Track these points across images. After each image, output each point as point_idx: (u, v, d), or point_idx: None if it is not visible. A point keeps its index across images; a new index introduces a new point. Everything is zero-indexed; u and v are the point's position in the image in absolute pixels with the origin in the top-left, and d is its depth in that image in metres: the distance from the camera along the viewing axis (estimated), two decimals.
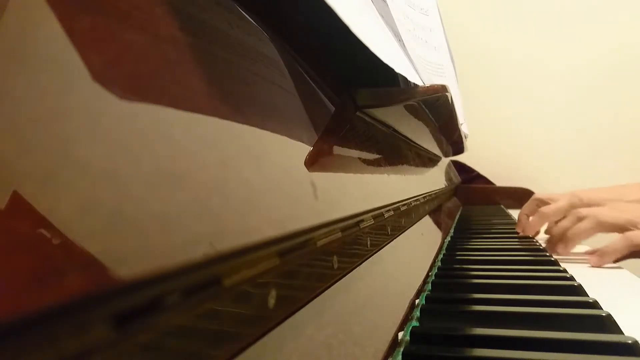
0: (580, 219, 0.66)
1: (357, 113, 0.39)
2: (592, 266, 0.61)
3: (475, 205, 1.33)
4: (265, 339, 0.17)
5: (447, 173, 1.09)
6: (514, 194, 1.37)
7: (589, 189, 0.76)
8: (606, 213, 0.66)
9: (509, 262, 0.55)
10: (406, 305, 0.34)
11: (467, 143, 1.03)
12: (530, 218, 0.75)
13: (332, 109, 0.34)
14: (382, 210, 0.37)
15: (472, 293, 0.40)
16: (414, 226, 0.53)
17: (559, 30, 1.50)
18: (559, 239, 0.68)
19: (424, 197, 0.61)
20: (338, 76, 0.37)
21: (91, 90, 0.12)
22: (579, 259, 0.65)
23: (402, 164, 0.53)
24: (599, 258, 0.61)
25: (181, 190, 0.13)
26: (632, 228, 0.62)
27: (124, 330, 0.10)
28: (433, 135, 0.70)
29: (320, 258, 0.24)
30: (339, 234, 0.26)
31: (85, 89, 0.12)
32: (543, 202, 0.75)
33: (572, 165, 1.49)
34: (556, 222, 0.70)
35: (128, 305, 0.10)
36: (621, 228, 0.63)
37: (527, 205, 0.78)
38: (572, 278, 0.44)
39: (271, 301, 0.17)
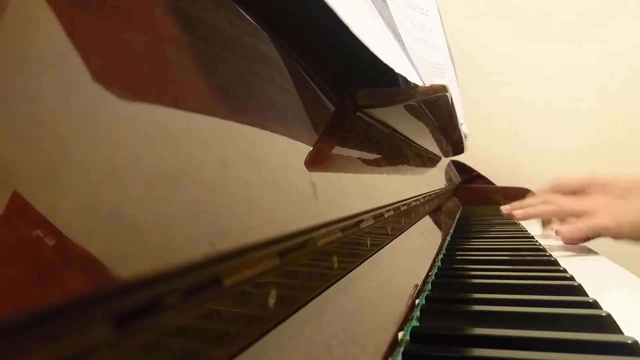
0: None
1: (357, 113, 0.39)
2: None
3: (475, 205, 1.33)
4: (265, 339, 0.17)
5: (447, 173, 1.09)
6: (514, 194, 1.37)
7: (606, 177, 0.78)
8: (570, 202, 0.72)
9: (509, 262, 0.55)
10: (406, 305, 0.34)
11: (467, 143, 1.03)
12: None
13: (332, 109, 0.34)
14: (382, 210, 0.37)
15: (472, 293, 0.40)
16: (414, 226, 0.53)
17: (559, 30, 1.50)
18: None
19: (424, 197, 0.61)
20: (338, 76, 0.37)
21: (91, 90, 0.12)
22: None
23: (402, 164, 0.53)
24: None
25: (181, 190, 0.13)
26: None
27: (124, 330, 0.10)
28: (433, 135, 0.70)
29: (320, 258, 0.24)
30: (339, 234, 0.26)
31: (86, 89, 0.12)
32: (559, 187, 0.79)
33: (572, 166, 1.49)
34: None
35: (128, 305, 0.10)
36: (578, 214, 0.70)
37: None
38: (572, 278, 0.44)
39: (271, 301, 0.17)
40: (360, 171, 0.35)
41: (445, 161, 1.07)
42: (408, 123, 0.54)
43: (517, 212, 0.76)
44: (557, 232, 0.71)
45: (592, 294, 0.39)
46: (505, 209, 0.79)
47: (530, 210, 0.75)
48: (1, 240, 0.08)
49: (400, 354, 0.28)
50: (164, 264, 0.11)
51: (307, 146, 0.26)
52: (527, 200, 0.79)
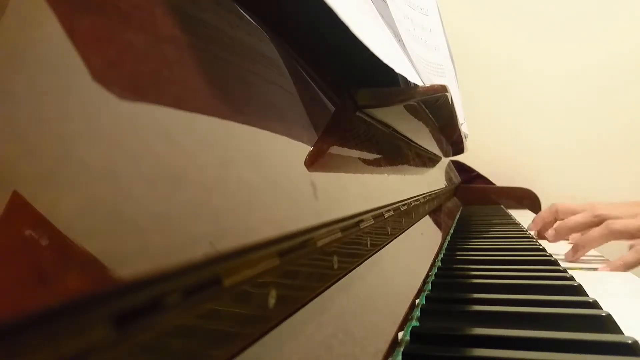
0: (595, 220, 0.67)
1: (357, 113, 0.39)
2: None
3: (475, 205, 1.33)
4: (265, 339, 0.17)
5: (447, 173, 1.09)
6: (514, 194, 1.37)
7: (607, 203, 0.74)
8: (620, 221, 0.65)
9: (509, 262, 0.55)
10: (406, 305, 0.34)
11: (467, 143, 1.03)
12: (549, 231, 0.74)
13: (332, 109, 0.34)
14: (382, 210, 0.37)
15: (472, 293, 0.40)
16: (414, 226, 0.53)
17: (559, 31, 1.50)
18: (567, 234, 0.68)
19: (424, 197, 0.61)
20: (338, 76, 0.37)
21: (91, 90, 0.12)
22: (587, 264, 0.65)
23: (402, 164, 0.53)
24: (612, 269, 0.60)
25: (181, 190, 0.13)
26: None
27: (124, 330, 0.10)
28: (433, 135, 0.70)
29: (320, 258, 0.24)
30: (339, 234, 0.26)
31: (85, 89, 0.12)
32: (562, 213, 0.75)
33: (572, 165, 1.49)
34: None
35: (128, 305, 0.10)
36: (633, 235, 0.63)
37: (547, 211, 0.79)
38: (572, 278, 0.44)
39: (271, 301, 0.17)
40: (360, 171, 0.35)
41: (445, 161, 1.07)
42: (408, 123, 0.54)
43: (583, 244, 0.65)
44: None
45: (592, 293, 0.39)
46: (550, 235, 0.71)
47: (592, 242, 0.65)
48: (1, 240, 0.08)
49: (400, 354, 0.28)
50: (164, 263, 0.11)
51: (307, 146, 0.26)
52: (571, 221, 0.70)
